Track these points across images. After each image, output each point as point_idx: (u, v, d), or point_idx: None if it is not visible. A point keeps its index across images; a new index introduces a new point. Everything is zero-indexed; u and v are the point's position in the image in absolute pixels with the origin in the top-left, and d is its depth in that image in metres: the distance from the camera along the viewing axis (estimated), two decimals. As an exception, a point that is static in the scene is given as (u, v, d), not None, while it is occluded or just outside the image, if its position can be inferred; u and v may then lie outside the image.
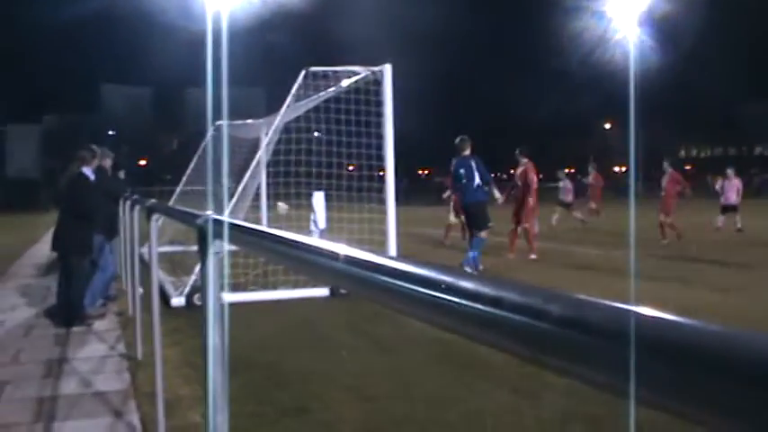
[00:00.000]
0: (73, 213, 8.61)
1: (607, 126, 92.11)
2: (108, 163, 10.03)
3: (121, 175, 11.55)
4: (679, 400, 0.58)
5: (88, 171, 8.83)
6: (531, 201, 14.99)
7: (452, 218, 18.02)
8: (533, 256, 14.56)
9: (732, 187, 19.69)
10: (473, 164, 12.79)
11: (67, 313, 8.51)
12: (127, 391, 5.82)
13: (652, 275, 11.20)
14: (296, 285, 9.94)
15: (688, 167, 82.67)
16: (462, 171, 12.75)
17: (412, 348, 6.94)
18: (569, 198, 23.25)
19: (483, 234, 12.67)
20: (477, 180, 12.75)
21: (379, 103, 10.69)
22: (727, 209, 19.51)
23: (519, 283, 0.83)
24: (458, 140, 13.02)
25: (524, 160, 15.24)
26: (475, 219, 12.88)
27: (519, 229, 15.06)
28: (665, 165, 18.75)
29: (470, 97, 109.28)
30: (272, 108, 12.55)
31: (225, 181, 12.03)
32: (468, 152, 12.88)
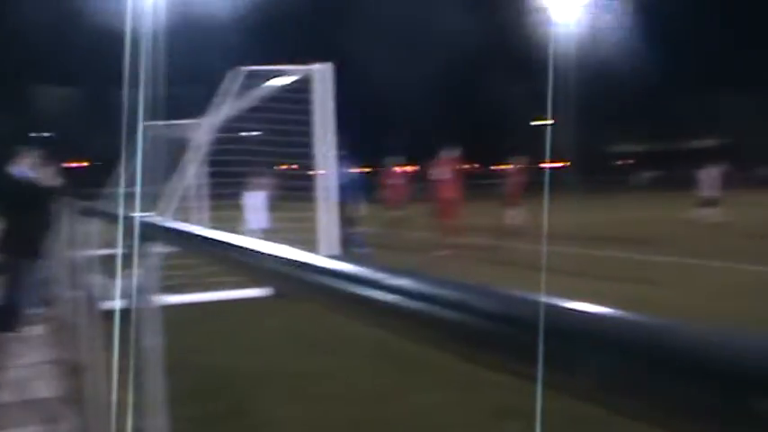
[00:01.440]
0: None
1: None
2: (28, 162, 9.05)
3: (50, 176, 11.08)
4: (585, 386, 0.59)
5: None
6: None
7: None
8: None
9: None
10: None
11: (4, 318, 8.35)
12: (64, 397, 5.74)
13: None
14: (238, 285, 9.78)
15: None
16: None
17: (351, 348, 6.96)
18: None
19: None
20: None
21: (314, 102, 10.60)
22: None
23: (447, 278, 0.83)
24: None
25: None
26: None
27: None
28: None
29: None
30: (208, 108, 12.40)
31: (138, 182, 11.82)
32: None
